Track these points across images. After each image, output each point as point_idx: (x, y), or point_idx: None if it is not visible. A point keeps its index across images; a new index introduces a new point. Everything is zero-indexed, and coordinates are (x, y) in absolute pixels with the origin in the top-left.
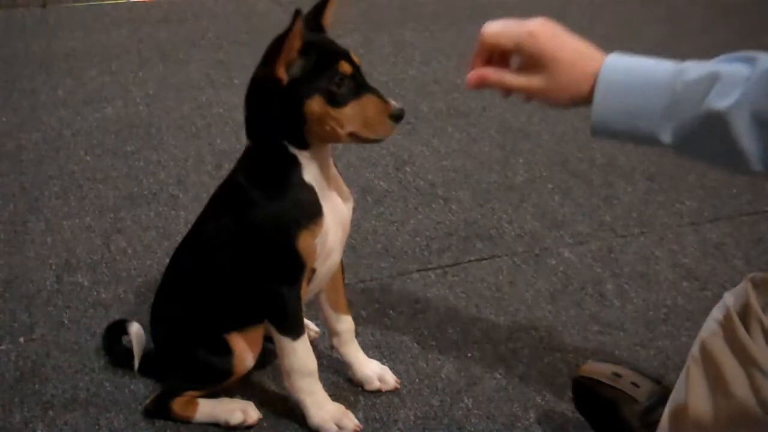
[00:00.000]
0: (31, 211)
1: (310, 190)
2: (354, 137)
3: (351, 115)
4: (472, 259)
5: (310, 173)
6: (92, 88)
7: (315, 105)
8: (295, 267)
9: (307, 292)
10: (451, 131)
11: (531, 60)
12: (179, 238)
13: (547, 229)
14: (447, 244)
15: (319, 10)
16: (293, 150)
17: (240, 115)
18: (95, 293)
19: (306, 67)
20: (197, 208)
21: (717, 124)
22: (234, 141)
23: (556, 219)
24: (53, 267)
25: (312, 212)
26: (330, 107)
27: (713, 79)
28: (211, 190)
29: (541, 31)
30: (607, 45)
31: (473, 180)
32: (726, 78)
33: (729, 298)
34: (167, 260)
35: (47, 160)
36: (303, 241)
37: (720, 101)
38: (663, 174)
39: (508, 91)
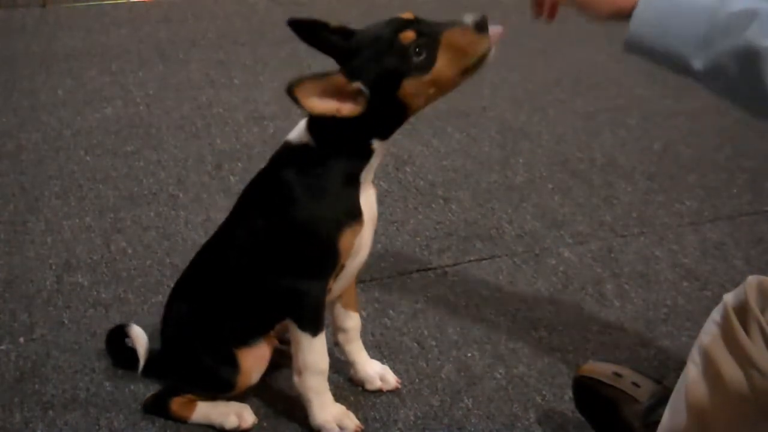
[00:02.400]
0: (31, 211)
1: (357, 189)
2: (464, 72)
3: (447, 63)
4: (472, 259)
5: (370, 167)
6: (92, 88)
7: (408, 88)
8: (330, 264)
9: (334, 289)
10: (451, 131)
11: None
12: (179, 238)
13: (547, 229)
14: (447, 244)
15: (317, 27)
16: (376, 144)
17: (240, 115)
18: (95, 293)
19: (371, 77)
20: (197, 208)
21: (751, 60)
22: (234, 141)
23: (556, 219)
24: (53, 267)
25: (354, 211)
26: (424, 76)
27: (753, 15)
28: (212, 190)
29: None
30: (608, 45)
31: (473, 180)
32: (762, 17)
33: (728, 300)
34: (167, 260)
35: (47, 160)
36: (345, 240)
37: (760, 38)
38: (663, 174)
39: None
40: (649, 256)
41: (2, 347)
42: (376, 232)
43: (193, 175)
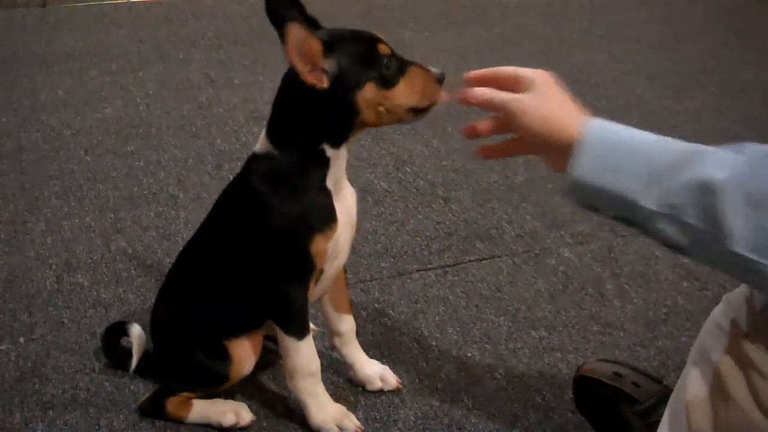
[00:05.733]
0: (31, 211)
1: (327, 194)
2: (413, 111)
3: (405, 91)
4: (472, 259)
5: (332, 175)
6: (92, 88)
7: (368, 93)
8: (306, 269)
9: (314, 292)
10: (451, 131)
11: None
12: (179, 238)
13: (547, 229)
14: (447, 244)
15: (294, 5)
16: (329, 152)
17: (240, 115)
18: (95, 293)
19: (344, 61)
20: (197, 208)
21: (707, 194)
22: (234, 141)
23: (556, 219)
24: (53, 267)
25: (327, 217)
26: (384, 90)
27: (702, 152)
28: (211, 190)
29: (529, 107)
30: (607, 45)
31: (473, 180)
32: (714, 154)
33: (728, 300)
34: (167, 260)
35: (47, 160)
36: (317, 245)
37: (714, 172)
38: None
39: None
40: (649, 256)
41: (2, 347)
42: (375, 232)
43: (193, 175)
